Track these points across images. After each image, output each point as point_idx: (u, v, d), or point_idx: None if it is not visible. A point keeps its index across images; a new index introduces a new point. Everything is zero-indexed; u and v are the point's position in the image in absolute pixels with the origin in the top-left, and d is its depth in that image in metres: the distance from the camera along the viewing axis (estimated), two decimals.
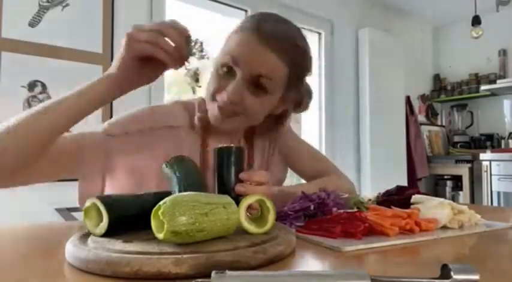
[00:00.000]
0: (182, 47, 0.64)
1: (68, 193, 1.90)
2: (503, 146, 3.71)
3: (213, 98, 0.77)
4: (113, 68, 0.67)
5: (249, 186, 0.63)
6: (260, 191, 0.62)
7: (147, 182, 0.78)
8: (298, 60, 0.78)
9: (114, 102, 2.03)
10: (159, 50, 0.62)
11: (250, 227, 0.50)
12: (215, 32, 3.00)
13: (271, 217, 0.52)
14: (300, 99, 0.89)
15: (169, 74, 2.32)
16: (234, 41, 0.75)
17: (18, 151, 0.63)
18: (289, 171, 1.08)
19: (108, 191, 0.79)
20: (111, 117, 2.01)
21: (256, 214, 0.55)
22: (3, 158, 0.62)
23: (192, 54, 0.67)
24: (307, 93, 0.91)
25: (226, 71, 0.74)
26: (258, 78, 0.73)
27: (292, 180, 1.47)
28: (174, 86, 3.23)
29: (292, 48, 0.76)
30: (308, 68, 0.83)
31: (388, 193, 0.79)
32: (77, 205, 0.77)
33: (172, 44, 0.63)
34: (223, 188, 0.63)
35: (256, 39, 0.72)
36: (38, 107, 0.64)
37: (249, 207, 0.53)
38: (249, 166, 0.90)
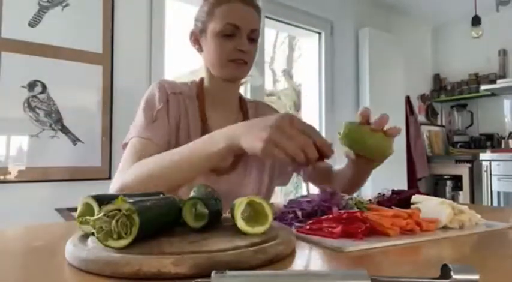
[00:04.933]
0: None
1: (68, 193, 1.90)
2: (503, 146, 3.70)
3: (228, 59, 0.96)
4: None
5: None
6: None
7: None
8: (260, 10, 1.03)
9: (114, 102, 2.04)
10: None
11: (247, 228, 0.49)
12: None
13: (269, 217, 0.51)
14: None
15: (169, 74, 2.32)
16: (226, 11, 0.95)
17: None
18: None
19: None
20: (111, 115, 2.01)
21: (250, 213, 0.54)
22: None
23: None
24: None
25: (227, 36, 0.94)
26: (253, 32, 0.97)
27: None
28: None
29: (257, 3, 1.01)
30: None
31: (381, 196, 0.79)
32: (77, 205, 0.77)
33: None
34: None
35: (243, 4, 0.96)
36: (168, 162, 0.79)
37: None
38: None
